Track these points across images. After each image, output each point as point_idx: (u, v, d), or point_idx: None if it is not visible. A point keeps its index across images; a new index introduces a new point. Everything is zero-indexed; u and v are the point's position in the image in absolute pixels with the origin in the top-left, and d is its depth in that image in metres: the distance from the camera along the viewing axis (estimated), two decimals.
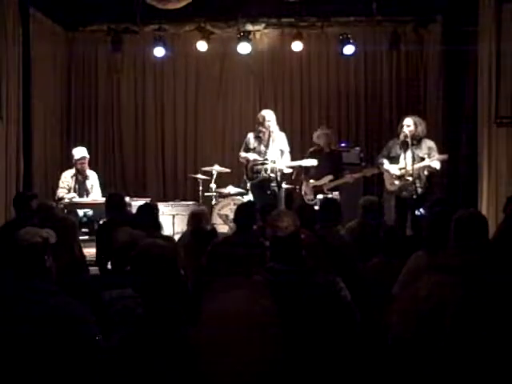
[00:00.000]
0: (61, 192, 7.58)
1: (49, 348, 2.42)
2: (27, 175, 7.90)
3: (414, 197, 6.58)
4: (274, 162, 7.18)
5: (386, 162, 6.85)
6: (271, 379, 2.47)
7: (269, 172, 7.18)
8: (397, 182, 6.76)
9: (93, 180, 7.75)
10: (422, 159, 6.61)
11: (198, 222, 5.25)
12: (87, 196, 7.63)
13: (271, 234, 3.06)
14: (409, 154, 6.59)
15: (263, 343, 2.47)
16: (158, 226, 4.97)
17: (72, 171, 7.67)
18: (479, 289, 2.24)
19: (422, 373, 2.08)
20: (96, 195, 7.69)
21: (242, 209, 4.89)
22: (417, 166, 6.56)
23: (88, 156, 7.73)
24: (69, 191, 7.58)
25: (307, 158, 7.56)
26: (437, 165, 6.59)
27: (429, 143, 6.70)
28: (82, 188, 7.65)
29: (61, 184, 7.63)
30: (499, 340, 2.08)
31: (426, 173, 6.67)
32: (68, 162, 8.09)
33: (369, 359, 2.97)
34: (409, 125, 6.62)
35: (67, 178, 7.64)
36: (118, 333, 2.48)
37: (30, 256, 2.56)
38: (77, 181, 7.63)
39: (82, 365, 2.44)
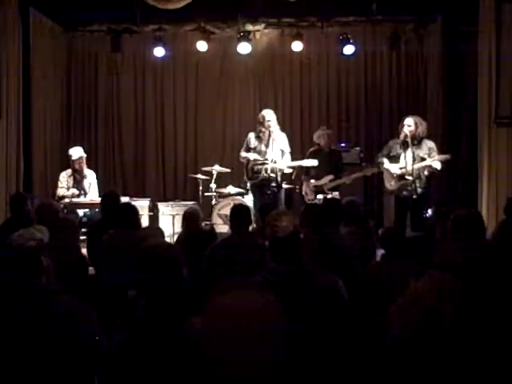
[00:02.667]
0: (61, 191, 7.59)
1: (49, 347, 2.42)
2: (27, 175, 7.90)
3: (414, 197, 6.58)
4: (275, 162, 7.18)
5: (386, 161, 6.84)
6: (272, 377, 2.47)
7: (269, 172, 7.17)
8: (397, 182, 6.75)
9: (91, 179, 7.75)
10: (423, 159, 6.61)
11: (194, 222, 5.25)
12: (85, 195, 7.64)
13: (270, 234, 3.07)
14: (409, 153, 6.59)
15: (266, 340, 2.47)
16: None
17: (69, 171, 7.68)
18: (478, 287, 2.24)
19: (421, 373, 2.08)
20: (93, 195, 7.70)
21: (236, 211, 4.85)
22: (418, 165, 6.56)
23: (85, 155, 7.74)
24: (68, 190, 7.58)
25: (307, 158, 7.58)
26: (437, 165, 6.58)
27: (429, 143, 6.70)
28: (79, 187, 7.65)
29: (59, 184, 7.64)
30: (499, 339, 2.08)
31: (426, 173, 6.67)
32: (68, 162, 8.08)
33: (368, 359, 2.97)
34: (409, 125, 6.62)
35: (65, 177, 7.65)
36: (120, 332, 2.49)
37: (26, 260, 2.56)
38: (74, 180, 7.64)
39: (81, 364, 2.44)
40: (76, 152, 7.64)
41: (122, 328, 2.69)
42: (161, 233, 5.16)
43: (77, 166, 7.60)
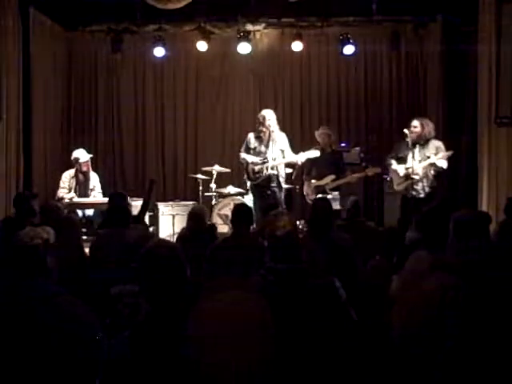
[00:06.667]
0: (61, 192, 7.59)
1: (50, 350, 2.42)
2: (27, 175, 7.91)
3: (422, 195, 6.62)
4: (275, 159, 7.16)
5: (393, 162, 6.90)
6: (263, 379, 2.47)
7: (270, 170, 7.16)
8: (403, 182, 6.78)
9: (94, 181, 7.76)
10: (429, 158, 6.65)
11: (199, 221, 5.24)
12: (88, 197, 7.63)
13: (269, 233, 3.10)
14: (416, 153, 6.64)
15: (254, 343, 2.47)
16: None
17: (72, 172, 7.67)
18: (482, 289, 2.23)
19: (425, 373, 2.09)
20: (98, 196, 7.70)
21: (238, 210, 4.88)
22: (422, 164, 6.60)
23: (92, 156, 7.78)
24: (69, 191, 7.58)
25: None
26: (443, 164, 6.62)
27: (436, 143, 6.74)
28: (82, 189, 7.65)
29: (61, 184, 7.64)
30: (502, 340, 2.08)
31: (432, 172, 6.69)
32: (68, 162, 8.09)
33: (367, 359, 2.97)
34: (415, 126, 6.71)
35: (67, 178, 7.65)
36: (123, 332, 2.49)
37: (31, 259, 2.56)
38: (77, 181, 7.64)
39: (83, 368, 2.44)
40: (83, 154, 7.64)
41: (111, 327, 2.68)
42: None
43: (85, 168, 7.61)
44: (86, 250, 5.27)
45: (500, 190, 7.23)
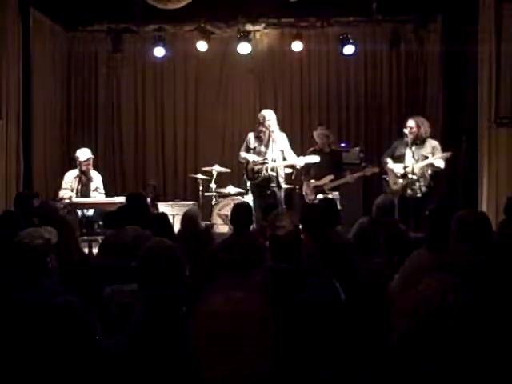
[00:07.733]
0: (62, 192, 7.57)
1: (51, 347, 2.42)
2: (27, 175, 7.91)
3: (419, 195, 6.62)
4: (275, 161, 7.17)
5: (389, 161, 6.90)
6: (263, 379, 2.47)
7: (269, 171, 7.16)
8: (400, 181, 6.78)
9: (97, 182, 7.74)
10: (426, 158, 6.65)
11: (193, 224, 5.23)
12: (90, 197, 7.62)
13: (271, 233, 3.09)
14: (413, 153, 6.63)
15: (255, 343, 2.47)
16: None
17: (75, 172, 7.64)
18: (483, 289, 2.23)
19: (425, 374, 2.08)
20: (100, 197, 7.68)
21: (237, 210, 4.87)
22: (420, 164, 6.61)
23: (93, 157, 7.76)
24: (72, 192, 7.56)
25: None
26: (441, 164, 6.62)
27: (433, 143, 6.75)
28: (84, 189, 7.63)
29: (64, 185, 7.61)
30: (503, 341, 2.08)
31: (429, 172, 6.69)
32: (68, 162, 8.09)
33: (367, 359, 2.97)
34: (411, 126, 6.69)
35: (70, 178, 7.62)
36: (121, 331, 2.49)
37: (32, 258, 2.56)
38: (80, 182, 7.62)
39: (83, 365, 2.44)
40: (84, 153, 7.62)
41: (106, 327, 2.69)
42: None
43: (84, 168, 7.58)
44: (86, 250, 5.28)
45: (500, 190, 7.23)
